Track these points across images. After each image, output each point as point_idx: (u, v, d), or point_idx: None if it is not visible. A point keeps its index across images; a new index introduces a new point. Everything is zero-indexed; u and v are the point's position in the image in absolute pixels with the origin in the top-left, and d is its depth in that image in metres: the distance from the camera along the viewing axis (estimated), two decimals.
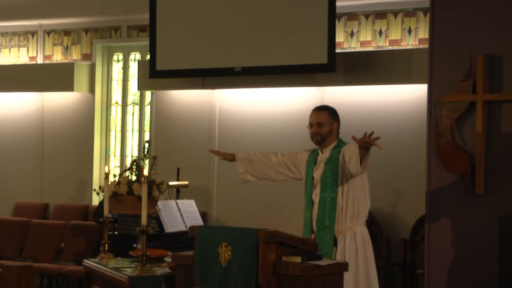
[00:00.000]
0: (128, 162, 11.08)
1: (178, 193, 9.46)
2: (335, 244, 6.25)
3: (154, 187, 7.88)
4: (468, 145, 6.90)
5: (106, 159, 11.49)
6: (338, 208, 6.29)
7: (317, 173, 6.41)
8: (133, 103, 11.47)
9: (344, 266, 5.56)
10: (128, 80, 11.50)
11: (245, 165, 6.68)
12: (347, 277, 5.84)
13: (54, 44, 11.80)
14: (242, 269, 5.36)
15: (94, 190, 10.41)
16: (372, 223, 9.09)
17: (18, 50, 12.10)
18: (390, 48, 9.32)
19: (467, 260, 6.89)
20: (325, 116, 6.44)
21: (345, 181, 6.31)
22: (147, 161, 8.28)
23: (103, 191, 7.20)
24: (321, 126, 6.42)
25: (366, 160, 6.11)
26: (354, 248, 6.26)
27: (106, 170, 7.15)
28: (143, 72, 10.64)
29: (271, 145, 9.94)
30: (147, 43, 10.51)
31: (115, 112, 11.57)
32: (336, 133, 6.47)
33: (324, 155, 6.43)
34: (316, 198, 6.37)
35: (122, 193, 7.77)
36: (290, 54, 9.41)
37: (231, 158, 6.74)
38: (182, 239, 7.73)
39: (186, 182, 9.59)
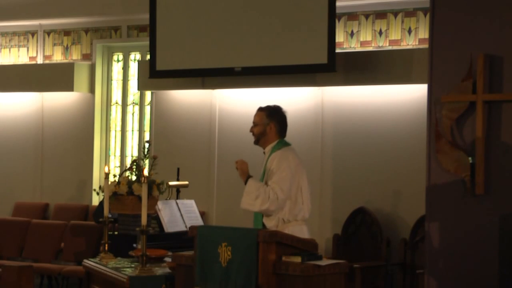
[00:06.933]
0: (128, 162, 11.08)
1: (178, 193, 9.43)
2: None
3: (154, 187, 7.87)
4: (468, 145, 6.90)
5: (106, 159, 11.49)
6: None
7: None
8: (133, 103, 11.47)
9: (344, 266, 5.57)
10: (128, 80, 11.49)
11: None
12: None
13: (54, 44, 11.80)
14: (242, 269, 5.36)
15: (94, 190, 10.39)
16: (372, 223, 9.09)
17: (18, 50, 12.10)
18: (390, 48, 9.32)
19: (467, 260, 6.88)
20: (260, 117, 6.51)
21: None
22: (147, 161, 8.27)
23: (103, 191, 7.19)
24: (254, 126, 6.52)
25: None
26: None
27: (106, 170, 7.15)
28: (143, 72, 10.64)
29: None
30: (147, 43, 10.51)
31: (115, 112, 11.56)
32: (274, 134, 6.48)
33: (265, 157, 6.48)
34: None
35: (122, 193, 7.76)
36: (290, 54, 9.41)
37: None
38: (182, 239, 7.72)
39: (186, 182, 9.56)
